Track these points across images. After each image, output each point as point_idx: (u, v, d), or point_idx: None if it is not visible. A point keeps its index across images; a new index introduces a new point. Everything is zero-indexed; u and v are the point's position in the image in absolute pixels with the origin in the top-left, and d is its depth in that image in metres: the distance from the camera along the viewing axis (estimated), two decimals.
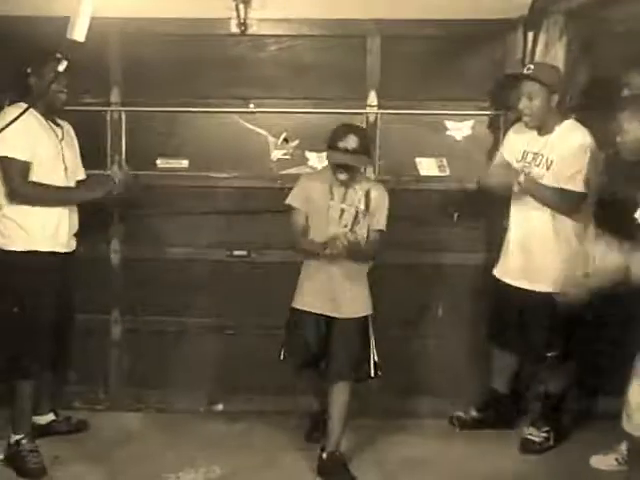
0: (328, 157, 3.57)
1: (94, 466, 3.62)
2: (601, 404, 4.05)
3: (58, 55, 2.63)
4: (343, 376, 3.54)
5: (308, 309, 3.59)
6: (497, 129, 4.07)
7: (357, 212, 3.55)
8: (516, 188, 3.66)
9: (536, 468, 3.71)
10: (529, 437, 3.86)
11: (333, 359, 3.55)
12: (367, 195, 3.56)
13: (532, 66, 3.70)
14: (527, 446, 3.84)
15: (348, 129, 3.52)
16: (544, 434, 3.84)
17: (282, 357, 3.63)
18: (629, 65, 3.56)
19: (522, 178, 3.65)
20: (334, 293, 3.56)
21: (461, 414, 4.06)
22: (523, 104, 3.68)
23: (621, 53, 3.77)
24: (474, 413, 4.06)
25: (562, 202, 3.62)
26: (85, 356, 4.08)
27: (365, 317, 3.61)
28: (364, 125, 4.07)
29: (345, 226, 3.53)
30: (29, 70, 3.52)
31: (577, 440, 3.91)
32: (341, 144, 3.46)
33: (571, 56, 3.84)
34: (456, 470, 3.68)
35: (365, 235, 3.58)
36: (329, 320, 3.57)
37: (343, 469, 3.56)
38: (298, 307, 3.61)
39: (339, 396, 3.54)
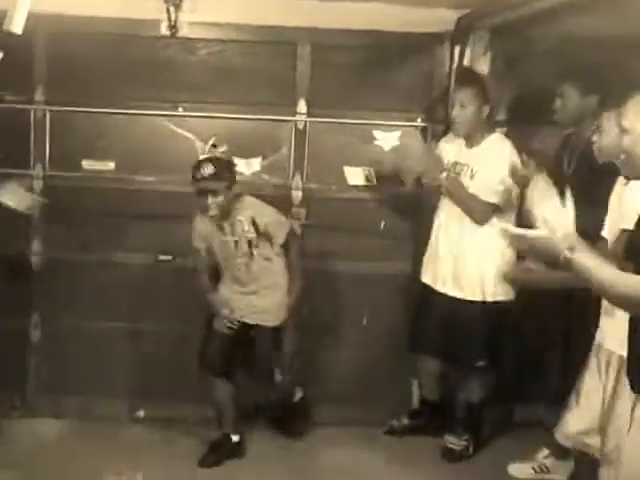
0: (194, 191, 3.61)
1: (10, 475, 3.51)
2: (519, 411, 4.14)
3: None
4: None
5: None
6: (424, 140, 4.12)
7: (250, 241, 3.66)
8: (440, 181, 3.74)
9: (455, 476, 3.76)
10: (449, 445, 3.91)
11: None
12: (253, 222, 3.65)
13: (471, 74, 3.78)
14: (447, 454, 3.89)
15: (204, 160, 3.57)
16: (464, 442, 3.90)
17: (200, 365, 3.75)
18: (553, 80, 3.64)
19: (444, 175, 3.73)
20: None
21: (393, 422, 4.10)
22: (455, 112, 3.73)
23: (544, 69, 3.86)
24: (406, 421, 4.11)
25: (473, 209, 3.70)
26: (1, 361, 3.95)
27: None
28: (292, 133, 4.09)
29: (243, 255, 3.66)
30: None
31: (496, 448, 3.98)
32: (198, 174, 3.52)
33: (495, 71, 3.93)
34: (375, 477, 3.72)
35: (271, 254, 3.70)
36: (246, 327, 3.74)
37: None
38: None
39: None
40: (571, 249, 2.10)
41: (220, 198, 3.55)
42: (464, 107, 3.71)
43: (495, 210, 3.68)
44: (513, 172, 3.54)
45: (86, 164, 4.07)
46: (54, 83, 4.02)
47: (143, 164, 4.09)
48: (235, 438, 3.84)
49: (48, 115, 4.03)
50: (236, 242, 3.67)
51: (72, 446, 3.84)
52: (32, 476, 3.55)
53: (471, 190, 3.71)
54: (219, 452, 3.79)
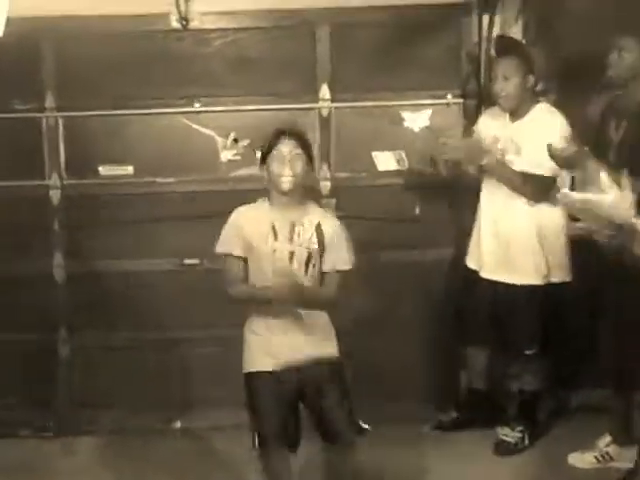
0: (268, 161, 2.96)
1: None
2: (577, 397, 3.94)
3: None
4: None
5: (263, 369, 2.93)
6: (457, 118, 3.91)
7: (310, 254, 2.95)
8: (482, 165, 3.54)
9: (512, 470, 3.59)
10: (503, 437, 3.72)
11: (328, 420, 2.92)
12: (318, 229, 2.97)
13: (515, 42, 3.57)
14: (502, 447, 3.70)
15: (281, 130, 3.00)
16: (519, 434, 3.70)
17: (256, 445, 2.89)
18: (593, 42, 3.41)
19: (485, 161, 3.53)
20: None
21: (441, 416, 3.92)
22: (499, 85, 3.52)
23: (580, 32, 3.65)
24: (454, 414, 3.93)
25: (526, 186, 3.49)
26: (32, 379, 3.88)
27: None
28: (316, 120, 3.89)
29: (298, 270, 2.92)
30: None
31: (553, 438, 3.78)
32: (282, 136, 2.95)
33: (529, 38, 3.71)
34: (430, 475, 3.54)
35: (317, 278, 2.98)
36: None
37: None
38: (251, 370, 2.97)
39: (344, 461, 2.94)
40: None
41: (300, 172, 2.92)
42: (508, 79, 3.50)
43: (550, 185, 3.45)
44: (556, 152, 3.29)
45: (103, 170, 3.92)
46: (65, 88, 3.87)
47: (162, 165, 3.92)
48: None
49: (61, 122, 3.88)
50: (292, 253, 3.00)
51: (107, 465, 3.70)
52: None
53: (519, 166, 3.49)
54: None
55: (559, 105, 3.59)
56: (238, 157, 3.91)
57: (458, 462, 3.61)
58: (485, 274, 3.66)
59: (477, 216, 3.70)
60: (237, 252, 2.94)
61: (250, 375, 2.97)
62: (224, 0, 3.72)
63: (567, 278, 3.60)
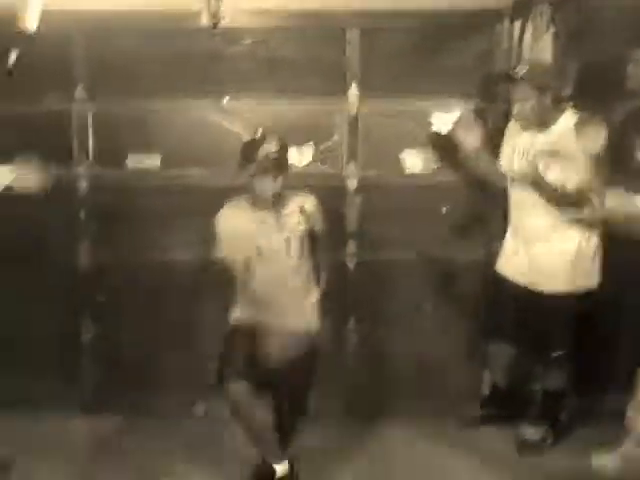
0: (247, 172, 3.21)
1: (68, 474, 3.42)
2: (602, 399, 3.94)
3: None
4: None
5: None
6: (484, 122, 3.94)
7: (301, 237, 3.28)
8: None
9: (534, 469, 3.57)
10: (526, 437, 3.73)
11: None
12: (302, 211, 3.29)
13: (525, 67, 3.57)
14: (524, 446, 3.71)
15: (262, 138, 3.27)
16: (542, 433, 3.72)
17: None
18: (619, 50, 3.49)
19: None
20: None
21: (464, 413, 3.92)
22: (517, 109, 3.57)
23: (610, 39, 3.72)
24: (477, 411, 3.93)
25: (563, 197, 3.50)
26: (58, 359, 3.88)
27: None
28: (345, 120, 3.93)
29: (296, 257, 3.26)
30: None
31: (577, 438, 3.78)
32: (257, 152, 3.21)
33: (560, 46, 3.77)
34: (449, 470, 3.54)
35: (307, 253, 3.33)
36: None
37: None
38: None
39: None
40: None
41: (280, 182, 3.21)
42: (524, 102, 3.54)
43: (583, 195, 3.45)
44: None
45: (131, 161, 3.93)
46: (95, 80, 3.90)
47: (190, 158, 3.94)
48: (280, 468, 3.28)
49: (90, 112, 3.90)
50: (287, 240, 3.29)
51: (129, 445, 3.69)
52: (91, 475, 3.43)
53: (552, 176, 3.50)
54: None
55: (588, 110, 3.59)
56: None
57: (480, 459, 3.62)
58: (514, 278, 3.67)
59: (508, 220, 3.73)
60: (233, 254, 3.21)
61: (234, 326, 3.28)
62: None
63: (596, 283, 3.61)
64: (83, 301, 3.97)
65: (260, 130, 3.82)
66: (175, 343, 3.97)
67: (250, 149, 3.23)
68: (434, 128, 3.91)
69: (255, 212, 3.25)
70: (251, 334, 3.22)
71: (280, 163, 3.23)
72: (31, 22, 3.30)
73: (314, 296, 3.37)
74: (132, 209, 3.91)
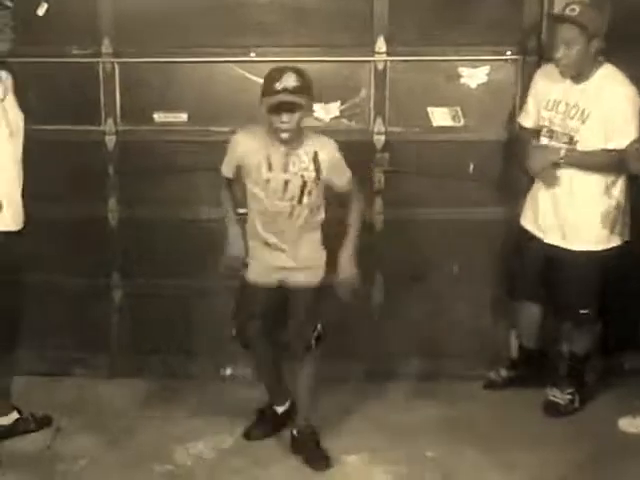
0: (263, 106, 3.07)
1: (97, 437, 3.47)
2: (629, 360, 3.89)
3: None
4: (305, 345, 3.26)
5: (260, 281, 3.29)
6: (515, 75, 3.83)
7: (305, 182, 3.15)
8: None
9: (560, 431, 3.54)
10: (553, 399, 3.69)
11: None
12: (315, 159, 3.15)
13: (576, 7, 3.36)
14: (551, 408, 3.67)
15: (284, 69, 3.10)
16: (568, 396, 3.67)
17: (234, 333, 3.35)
18: None
19: (563, 153, 3.43)
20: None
21: (491, 374, 3.89)
22: (561, 52, 3.38)
23: None
24: (504, 372, 3.89)
25: (611, 165, 3.40)
26: (85, 322, 3.92)
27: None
28: (371, 74, 3.84)
29: (292, 199, 3.16)
30: None
31: (604, 401, 3.74)
32: (278, 85, 3.02)
33: None
34: (475, 433, 3.51)
35: (319, 204, 3.22)
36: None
37: (315, 445, 3.34)
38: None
39: (304, 368, 3.31)
40: None
41: (297, 118, 3.06)
42: (569, 47, 3.36)
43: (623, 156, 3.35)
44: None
45: (158, 117, 3.91)
46: (121, 34, 3.84)
47: (217, 114, 3.89)
48: (280, 409, 3.48)
49: (117, 68, 3.87)
50: (286, 182, 3.16)
51: (157, 407, 3.75)
52: (118, 439, 3.48)
53: (584, 134, 3.40)
54: (266, 425, 3.50)
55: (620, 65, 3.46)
56: None
57: (507, 421, 3.61)
58: (540, 236, 3.60)
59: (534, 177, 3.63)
60: (230, 175, 3.28)
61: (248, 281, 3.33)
62: None
63: (626, 240, 3.53)
64: (112, 257, 4.01)
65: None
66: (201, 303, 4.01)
67: (268, 81, 3.10)
68: (463, 81, 3.83)
69: (267, 145, 3.16)
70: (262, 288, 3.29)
71: (297, 100, 3.04)
72: None
73: (314, 239, 3.29)
74: (159, 164, 3.90)
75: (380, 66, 3.85)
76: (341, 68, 3.87)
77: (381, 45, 3.83)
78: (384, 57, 3.84)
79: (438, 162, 3.89)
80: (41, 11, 3.24)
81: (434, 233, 3.92)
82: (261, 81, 3.76)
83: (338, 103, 3.88)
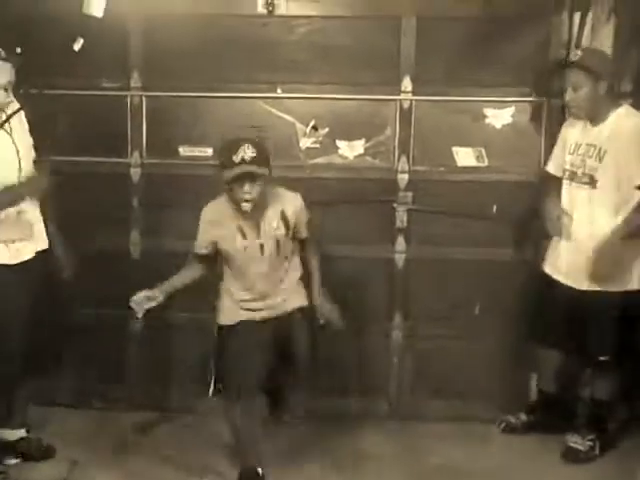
0: (225, 180, 3.13)
1: (115, 471, 3.46)
2: None
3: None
4: None
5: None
6: (540, 117, 3.83)
7: (278, 240, 3.24)
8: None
9: (579, 479, 3.49)
10: (573, 445, 3.63)
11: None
12: (283, 217, 3.23)
13: (579, 52, 3.47)
14: (571, 455, 3.61)
15: (239, 141, 3.17)
16: (589, 442, 3.61)
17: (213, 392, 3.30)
18: None
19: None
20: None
21: (510, 418, 3.85)
22: (569, 96, 3.45)
23: None
24: (524, 417, 3.84)
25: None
26: (105, 354, 3.93)
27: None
28: (397, 113, 3.86)
29: (270, 256, 3.23)
30: None
31: (625, 449, 3.68)
32: (236, 157, 3.08)
33: (621, 38, 3.61)
34: (492, 477, 3.47)
35: (290, 250, 3.31)
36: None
37: None
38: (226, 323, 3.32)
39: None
40: None
41: (259, 188, 3.11)
42: (577, 90, 3.42)
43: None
44: None
45: (183, 151, 3.94)
46: (150, 68, 3.91)
47: None
48: (260, 470, 3.30)
49: (145, 101, 3.92)
50: (262, 245, 3.23)
51: (173, 441, 3.75)
52: (134, 473, 3.47)
53: (602, 172, 3.40)
54: None
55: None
56: (317, 145, 3.91)
57: (524, 466, 3.55)
58: (562, 279, 3.58)
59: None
60: (202, 252, 3.32)
61: (225, 327, 3.30)
62: None
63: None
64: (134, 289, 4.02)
65: (313, 121, 3.89)
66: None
67: (226, 154, 3.14)
68: (488, 122, 3.83)
69: (236, 215, 3.22)
70: (245, 332, 3.25)
71: (256, 170, 3.10)
72: (98, 8, 3.36)
73: (294, 277, 3.35)
74: (183, 198, 3.91)
75: (406, 105, 3.87)
76: (367, 106, 3.90)
77: (407, 84, 3.86)
78: (410, 96, 3.86)
79: (461, 202, 3.89)
80: (77, 46, 3.29)
81: (456, 273, 3.90)
82: (287, 117, 3.89)
83: (363, 141, 3.90)
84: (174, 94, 3.90)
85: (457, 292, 3.91)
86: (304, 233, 3.35)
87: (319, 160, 3.91)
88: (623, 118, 3.43)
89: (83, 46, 3.47)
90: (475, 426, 3.84)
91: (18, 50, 3.33)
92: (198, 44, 3.87)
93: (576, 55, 3.46)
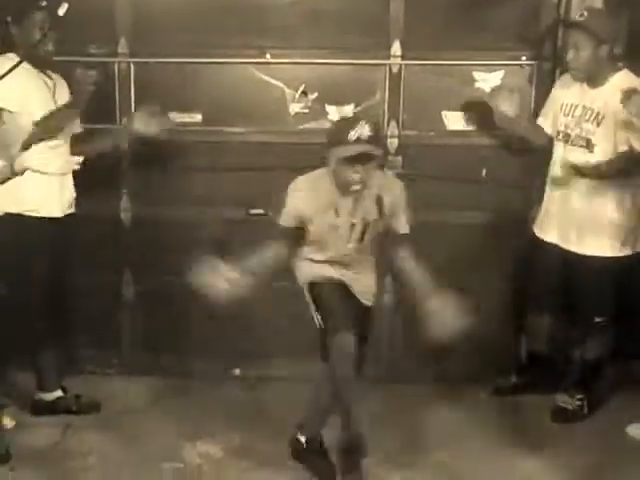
0: (336, 155, 2.91)
1: (108, 435, 3.50)
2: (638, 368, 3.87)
3: None
4: None
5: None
6: (530, 80, 3.83)
7: (367, 224, 3.08)
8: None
9: (568, 437, 3.53)
10: (562, 405, 3.68)
11: None
12: (379, 201, 3.05)
13: (585, 12, 3.41)
14: (560, 414, 3.67)
15: (354, 118, 3.06)
16: (578, 402, 3.67)
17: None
18: None
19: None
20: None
21: (500, 381, 3.88)
22: (570, 56, 3.43)
23: None
24: (513, 378, 3.89)
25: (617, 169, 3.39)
26: (97, 319, 3.94)
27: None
28: (386, 77, 3.85)
29: (356, 240, 3.10)
30: (8, 19, 3.31)
31: (613, 408, 3.73)
32: (352, 135, 2.86)
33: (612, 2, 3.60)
34: (483, 438, 3.51)
35: (375, 238, 3.15)
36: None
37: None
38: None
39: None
40: None
41: (370, 169, 2.93)
42: (579, 50, 3.40)
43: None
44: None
45: (172, 116, 3.91)
46: (137, 34, 3.88)
47: (231, 115, 3.92)
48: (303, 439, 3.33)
49: (132, 67, 3.90)
50: (353, 225, 3.07)
51: (167, 405, 3.78)
52: (129, 437, 3.49)
53: (598, 137, 3.40)
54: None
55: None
56: (306, 110, 3.90)
57: (514, 427, 3.59)
58: (555, 241, 3.60)
59: (547, 182, 3.63)
60: (290, 224, 3.09)
61: (314, 283, 3.16)
62: None
63: (633, 250, 3.52)
64: (124, 254, 4.04)
65: (303, 86, 3.87)
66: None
67: (342, 131, 2.93)
68: (477, 85, 3.83)
69: (332, 191, 3.03)
70: (336, 287, 3.15)
71: (373, 151, 2.90)
72: None
73: (372, 262, 3.28)
74: (172, 164, 3.91)
75: (395, 69, 3.86)
76: (356, 71, 3.89)
77: (396, 48, 3.85)
78: (399, 60, 3.85)
79: (451, 166, 3.89)
80: (62, 11, 3.26)
81: (446, 236, 3.91)
82: (276, 82, 3.88)
83: (352, 106, 3.89)
84: (162, 60, 3.88)
85: (446, 256, 3.90)
86: (402, 228, 3.12)
87: (309, 125, 3.89)
88: (623, 83, 3.38)
89: (68, 11, 3.44)
90: (465, 388, 3.87)
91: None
92: (186, 10, 3.85)
93: (582, 15, 3.41)
